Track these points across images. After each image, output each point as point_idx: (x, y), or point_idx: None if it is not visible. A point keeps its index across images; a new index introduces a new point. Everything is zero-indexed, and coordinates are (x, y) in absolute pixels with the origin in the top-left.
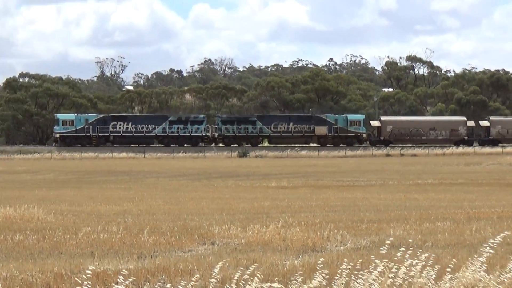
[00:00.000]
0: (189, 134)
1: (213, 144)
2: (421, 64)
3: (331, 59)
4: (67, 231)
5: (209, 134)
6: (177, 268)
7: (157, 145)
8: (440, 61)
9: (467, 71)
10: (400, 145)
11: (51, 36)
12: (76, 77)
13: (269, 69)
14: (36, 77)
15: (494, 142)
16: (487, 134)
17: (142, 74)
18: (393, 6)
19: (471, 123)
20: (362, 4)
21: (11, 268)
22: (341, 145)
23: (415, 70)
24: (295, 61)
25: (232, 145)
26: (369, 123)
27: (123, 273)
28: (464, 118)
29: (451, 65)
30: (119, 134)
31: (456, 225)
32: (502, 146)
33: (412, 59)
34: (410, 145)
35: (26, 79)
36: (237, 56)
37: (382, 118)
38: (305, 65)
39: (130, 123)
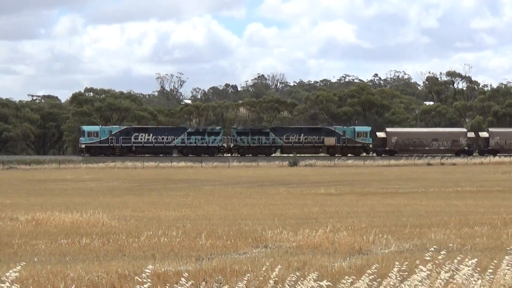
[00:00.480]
0: (206, 145)
1: (227, 154)
2: (460, 79)
3: (376, 75)
4: (130, 235)
5: (225, 145)
6: (233, 270)
7: (176, 155)
8: (478, 76)
9: (503, 86)
10: (405, 155)
11: (115, 53)
12: (138, 92)
13: (318, 84)
14: (101, 92)
15: (493, 152)
16: (486, 145)
17: (199, 89)
18: (435, 25)
19: (471, 134)
20: (405, 23)
21: (78, 269)
22: (348, 154)
23: (455, 84)
24: (342, 76)
25: (246, 155)
26: (375, 134)
27: (185, 275)
28: (465, 130)
29: (488, 80)
30: (141, 144)
31: (494, 229)
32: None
33: (452, 74)
34: (415, 155)
35: (92, 94)
36: (288, 71)
37: (387, 129)
38: (351, 80)
39: (151, 135)
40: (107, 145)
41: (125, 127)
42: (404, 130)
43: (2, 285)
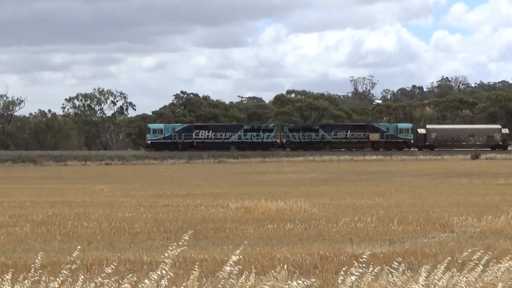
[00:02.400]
0: (261, 141)
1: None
2: None
3: None
4: (329, 221)
5: (278, 141)
6: (423, 252)
7: (233, 151)
8: None
9: None
10: (443, 149)
11: (314, 59)
12: (333, 93)
13: (497, 84)
14: (301, 93)
15: None
16: None
17: (389, 90)
18: None
19: (505, 131)
20: None
21: (284, 251)
22: (392, 149)
23: None
24: None
25: (297, 150)
26: (417, 130)
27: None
28: (499, 126)
29: None
30: (201, 140)
31: None
32: None
33: None
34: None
35: (293, 95)
36: (470, 74)
37: (428, 126)
38: None
39: (211, 131)
40: (170, 141)
41: (187, 124)
42: (443, 127)
43: (226, 267)
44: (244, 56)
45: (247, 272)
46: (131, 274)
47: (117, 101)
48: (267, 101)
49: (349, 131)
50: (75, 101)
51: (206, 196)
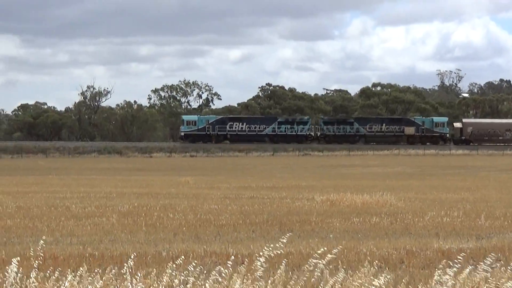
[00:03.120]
0: (295, 133)
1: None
2: None
3: None
4: (415, 215)
5: (312, 133)
6: (511, 248)
7: (267, 143)
8: None
9: None
10: (479, 144)
11: (401, 52)
12: (419, 86)
13: None
14: (387, 87)
15: None
16: None
17: (476, 84)
18: None
19: None
20: None
21: (370, 245)
22: (427, 143)
23: None
24: None
25: (331, 143)
26: (452, 124)
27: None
28: None
29: None
30: (235, 133)
31: None
32: None
33: None
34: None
35: (379, 88)
36: None
37: (464, 120)
38: None
39: (245, 124)
40: (204, 133)
41: (221, 116)
42: (479, 121)
43: (315, 261)
44: (330, 49)
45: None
46: (219, 267)
47: (202, 93)
48: (352, 94)
49: (384, 124)
50: (161, 92)
51: (291, 188)
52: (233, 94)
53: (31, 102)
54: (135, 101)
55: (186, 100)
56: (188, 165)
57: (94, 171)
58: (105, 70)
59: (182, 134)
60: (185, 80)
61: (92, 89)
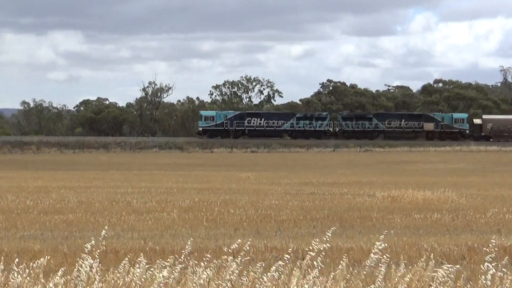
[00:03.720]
0: (313, 129)
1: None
2: None
3: None
4: (476, 211)
5: (331, 129)
6: None
7: (285, 139)
8: None
9: None
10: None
11: (464, 48)
12: (482, 83)
13: None
14: (449, 83)
15: None
16: None
17: None
18: None
19: None
20: None
21: (431, 241)
22: (447, 140)
23: None
24: None
25: (350, 139)
26: (472, 120)
27: None
28: None
29: None
30: (253, 128)
31: None
32: None
33: None
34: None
35: (441, 85)
36: None
37: (484, 116)
38: None
39: (263, 119)
40: (222, 128)
41: (239, 112)
42: (499, 117)
43: (372, 256)
44: (392, 44)
45: (392, 262)
46: (280, 262)
47: (264, 89)
48: (414, 90)
49: (403, 120)
50: (223, 88)
51: (352, 184)
52: (294, 90)
53: (93, 98)
54: (197, 98)
55: (248, 96)
56: (249, 160)
57: (155, 166)
58: (167, 66)
59: (200, 129)
60: (246, 76)
61: (153, 85)
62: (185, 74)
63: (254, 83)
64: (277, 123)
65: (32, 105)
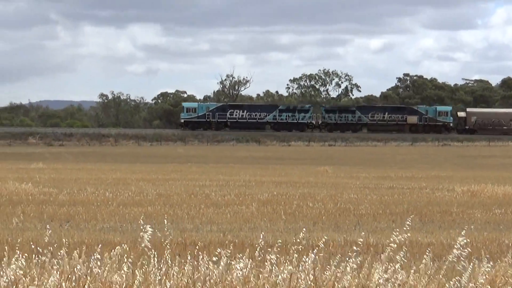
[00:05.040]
0: (296, 121)
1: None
2: None
3: None
4: None
5: (314, 122)
6: None
7: (268, 131)
8: None
9: None
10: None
11: None
12: None
13: None
14: None
15: None
16: None
17: None
18: None
19: None
20: None
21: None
22: (430, 133)
23: None
24: None
25: (333, 132)
26: (456, 114)
27: None
28: None
29: None
30: (235, 120)
31: None
32: None
33: None
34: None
35: None
36: None
37: (468, 109)
38: None
39: (245, 111)
40: (204, 120)
41: (221, 104)
42: (484, 110)
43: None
44: (472, 38)
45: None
46: (359, 256)
47: (341, 82)
48: (494, 84)
49: (386, 113)
50: (300, 82)
51: (430, 179)
52: (372, 84)
53: (171, 91)
54: (277, 92)
55: (325, 89)
56: (326, 154)
57: (232, 159)
58: (245, 59)
59: (182, 121)
60: (324, 70)
61: (231, 78)
62: (263, 67)
63: (331, 77)
64: (260, 115)
65: (110, 97)
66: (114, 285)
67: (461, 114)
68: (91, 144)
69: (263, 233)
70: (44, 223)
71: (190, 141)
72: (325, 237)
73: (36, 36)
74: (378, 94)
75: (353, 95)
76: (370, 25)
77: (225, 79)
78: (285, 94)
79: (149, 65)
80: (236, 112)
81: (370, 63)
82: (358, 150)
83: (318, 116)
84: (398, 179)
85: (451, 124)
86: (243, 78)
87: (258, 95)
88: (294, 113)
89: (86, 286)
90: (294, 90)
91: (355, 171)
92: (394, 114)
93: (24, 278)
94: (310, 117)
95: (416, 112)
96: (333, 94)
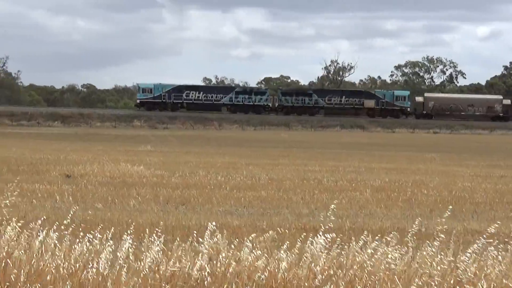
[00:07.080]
0: (252, 104)
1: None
2: None
3: None
4: None
5: (270, 104)
6: None
7: (224, 113)
8: None
9: None
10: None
11: None
12: None
13: None
14: None
15: None
16: None
17: None
18: None
19: (507, 102)
20: None
21: None
22: (388, 117)
23: None
24: None
25: (290, 115)
26: (414, 98)
27: None
28: (501, 97)
29: None
30: (191, 101)
31: None
32: None
33: None
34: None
35: None
36: None
37: (426, 94)
38: None
39: (202, 93)
40: (160, 101)
41: (178, 84)
42: (441, 95)
43: None
44: None
45: None
46: (492, 248)
47: (446, 69)
48: None
49: (343, 97)
50: (404, 69)
51: None
52: (477, 72)
53: (275, 76)
54: (379, 77)
55: (430, 76)
56: (431, 141)
57: (336, 145)
58: (350, 44)
59: (138, 101)
60: (428, 57)
61: (336, 64)
62: (368, 53)
63: (436, 64)
64: (216, 97)
65: (214, 81)
66: (258, 270)
67: (419, 99)
68: (195, 127)
69: (419, 218)
70: (160, 206)
71: (294, 127)
72: (465, 225)
73: (142, 19)
74: (483, 82)
75: (458, 82)
76: (478, 12)
77: (330, 65)
78: (388, 81)
79: (254, 50)
80: (192, 93)
81: (476, 51)
82: (463, 138)
83: (275, 98)
84: (508, 168)
85: (409, 109)
86: (348, 64)
87: (361, 80)
88: (250, 95)
89: (230, 269)
90: (399, 77)
91: (462, 159)
92: (351, 98)
93: (164, 260)
94: (267, 99)
95: (374, 96)
96: (438, 81)
